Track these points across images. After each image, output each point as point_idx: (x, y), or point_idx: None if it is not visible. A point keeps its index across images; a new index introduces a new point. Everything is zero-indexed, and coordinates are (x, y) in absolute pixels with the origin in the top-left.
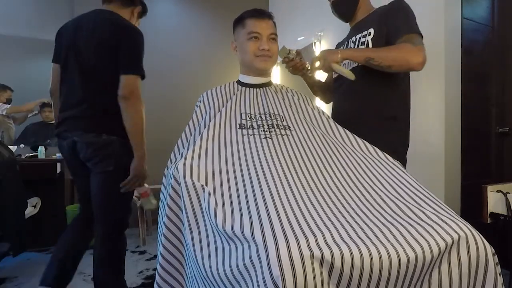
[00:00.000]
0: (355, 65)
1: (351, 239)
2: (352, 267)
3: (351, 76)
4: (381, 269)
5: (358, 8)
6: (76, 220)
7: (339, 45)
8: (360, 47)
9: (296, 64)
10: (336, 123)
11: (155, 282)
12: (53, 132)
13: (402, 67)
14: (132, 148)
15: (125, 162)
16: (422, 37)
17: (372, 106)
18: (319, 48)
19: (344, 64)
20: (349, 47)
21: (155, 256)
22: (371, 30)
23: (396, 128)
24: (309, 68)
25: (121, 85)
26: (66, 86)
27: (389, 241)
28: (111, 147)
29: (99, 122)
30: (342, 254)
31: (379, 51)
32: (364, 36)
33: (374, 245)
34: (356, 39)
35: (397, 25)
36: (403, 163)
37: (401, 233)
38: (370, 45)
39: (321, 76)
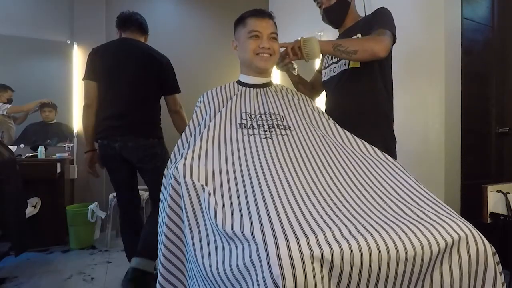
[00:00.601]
0: (345, 67)
1: (352, 235)
2: (352, 265)
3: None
4: (380, 266)
5: (347, 16)
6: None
7: None
8: None
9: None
10: (336, 124)
11: (157, 282)
12: (53, 132)
13: (366, 52)
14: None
15: (165, 157)
16: (394, 36)
17: (367, 105)
18: None
19: (333, 67)
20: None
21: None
22: (359, 35)
23: (388, 125)
24: (294, 66)
25: (172, 102)
26: (112, 100)
27: (390, 236)
28: (156, 147)
29: (146, 129)
30: (341, 251)
31: (346, 40)
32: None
33: (374, 240)
34: None
35: (373, 24)
36: (395, 157)
37: (402, 229)
38: None
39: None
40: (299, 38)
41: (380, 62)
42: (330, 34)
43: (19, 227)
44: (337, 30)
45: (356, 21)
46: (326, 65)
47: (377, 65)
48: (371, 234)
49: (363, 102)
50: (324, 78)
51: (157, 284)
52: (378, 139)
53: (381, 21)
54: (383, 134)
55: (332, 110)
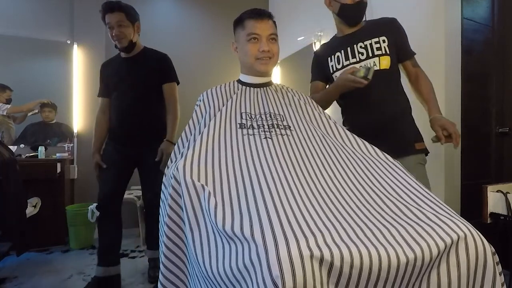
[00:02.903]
0: (376, 68)
1: (351, 239)
2: (352, 267)
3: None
4: (380, 270)
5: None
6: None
7: (333, 48)
8: (376, 52)
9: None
10: (336, 123)
11: (158, 282)
12: (53, 132)
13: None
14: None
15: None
16: None
17: (404, 103)
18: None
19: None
20: (357, 50)
21: None
22: (384, 38)
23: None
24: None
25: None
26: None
27: (388, 242)
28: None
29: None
30: (341, 255)
31: (431, 91)
32: (378, 42)
33: (374, 246)
34: (366, 44)
35: (406, 47)
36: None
37: (400, 234)
38: (388, 51)
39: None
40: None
41: (397, 65)
42: (330, 34)
43: (20, 227)
44: (335, 30)
45: (361, 25)
46: (339, 67)
47: (397, 68)
48: (370, 240)
49: (400, 102)
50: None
51: (159, 283)
52: (419, 137)
53: (409, 46)
54: (417, 131)
55: (367, 113)
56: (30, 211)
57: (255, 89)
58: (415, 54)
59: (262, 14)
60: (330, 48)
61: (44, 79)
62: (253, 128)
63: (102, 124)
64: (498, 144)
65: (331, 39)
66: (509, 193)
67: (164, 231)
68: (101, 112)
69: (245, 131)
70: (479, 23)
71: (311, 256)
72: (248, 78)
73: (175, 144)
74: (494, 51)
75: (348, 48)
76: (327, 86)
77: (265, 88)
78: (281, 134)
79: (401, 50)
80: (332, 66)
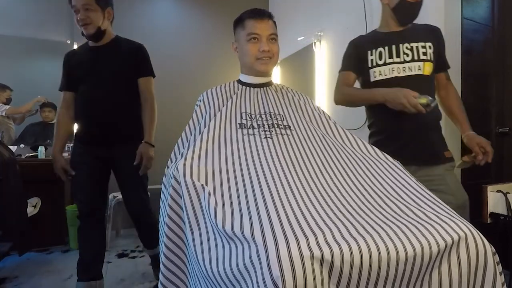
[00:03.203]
0: (419, 72)
1: (351, 236)
2: (352, 266)
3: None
4: (380, 266)
5: None
6: None
7: (375, 42)
8: (421, 56)
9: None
10: (336, 124)
11: (159, 282)
12: (53, 132)
13: None
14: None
15: None
16: None
17: (437, 118)
18: (318, 48)
19: (398, 68)
20: (403, 51)
21: None
22: (430, 44)
23: None
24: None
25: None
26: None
27: (389, 237)
28: None
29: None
30: (341, 252)
31: (462, 107)
32: (424, 47)
33: (374, 241)
34: (412, 46)
35: (444, 58)
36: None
37: (401, 230)
38: (432, 58)
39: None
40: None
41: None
42: (330, 34)
43: (22, 227)
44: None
45: (407, 26)
46: (380, 63)
47: (434, 76)
48: (370, 235)
49: (435, 111)
50: (377, 77)
51: (159, 283)
52: (446, 145)
53: (445, 56)
54: (444, 139)
55: (403, 119)
56: (30, 211)
57: (255, 89)
58: (449, 67)
59: (262, 14)
60: (371, 42)
61: (44, 79)
62: (253, 128)
63: (66, 121)
64: (498, 144)
65: (371, 32)
66: (509, 193)
67: (164, 231)
68: (65, 108)
69: (245, 131)
70: (479, 23)
71: (312, 256)
72: (248, 78)
73: (153, 146)
74: (494, 51)
75: (393, 46)
76: (358, 80)
77: (265, 88)
78: (281, 134)
79: (439, 61)
80: (372, 60)
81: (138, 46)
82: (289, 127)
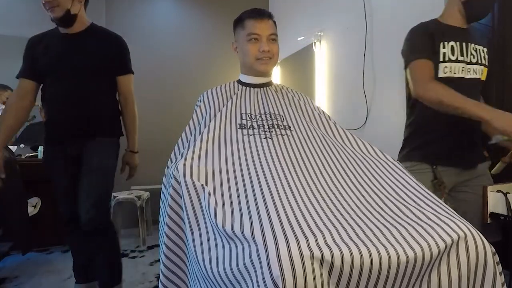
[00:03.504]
0: (479, 76)
1: (351, 239)
2: (352, 267)
3: None
4: (380, 269)
5: None
6: None
7: (446, 34)
8: (483, 61)
9: None
10: (336, 124)
11: (159, 282)
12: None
13: None
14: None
15: None
16: None
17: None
18: (318, 48)
19: (467, 68)
20: (470, 52)
21: (156, 260)
22: (487, 50)
23: None
24: None
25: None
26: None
27: (388, 241)
28: None
29: None
30: (342, 255)
31: None
32: (484, 51)
33: (374, 245)
34: (477, 49)
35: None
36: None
37: (400, 233)
38: (487, 63)
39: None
40: None
41: None
42: (330, 34)
43: (23, 226)
44: (335, 30)
45: (470, 25)
46: (453, 59)
47: None
48: (370, 239)
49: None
50: (447, 73)
51: (159, 283)
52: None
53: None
54: None
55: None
56: (30, 211)
57: (255, 89)
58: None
59: (262, 14)
60: (443, 34)
61: None
62: (253, 128)
63: (17, 111)
64: (497, 144)
65: (436, 22)
66: (509, 193)
67: (164, 231)
68: (18, 96)
69: (245, 131)
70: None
71: (312, 256)
72: (248, 78)
73: (137, 152)
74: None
75: (464, 44)
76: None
77: (265, 88)
78: (281, 134)
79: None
80: (444, 53)
81: (116, 37)
82: (289, 127)
